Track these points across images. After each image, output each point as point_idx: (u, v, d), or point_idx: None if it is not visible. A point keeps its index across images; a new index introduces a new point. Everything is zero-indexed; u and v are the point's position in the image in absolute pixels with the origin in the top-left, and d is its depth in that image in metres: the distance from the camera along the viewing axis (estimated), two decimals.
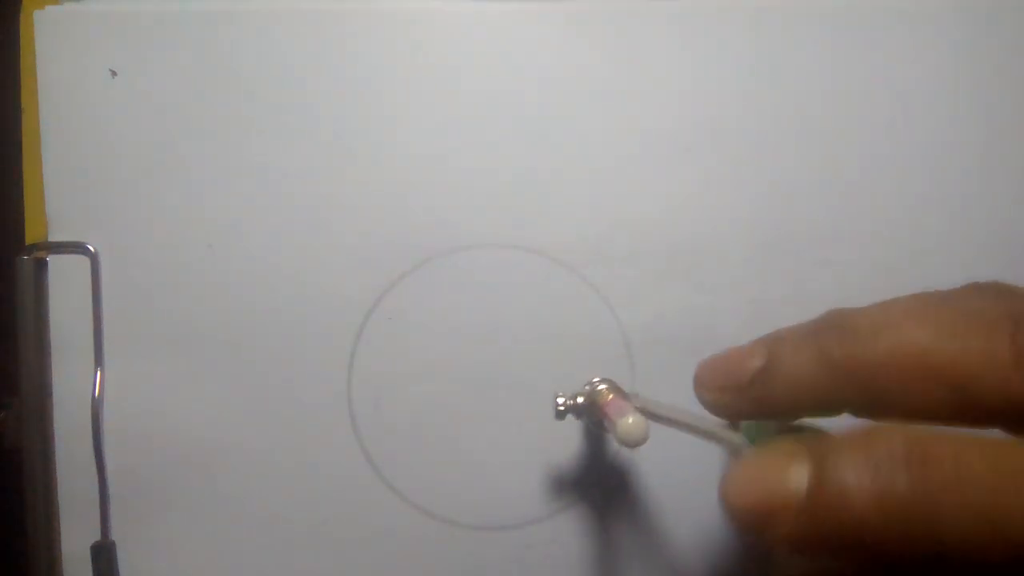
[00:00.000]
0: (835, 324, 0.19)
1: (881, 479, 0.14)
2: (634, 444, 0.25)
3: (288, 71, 0.33)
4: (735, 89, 0.34)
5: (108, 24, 0.33)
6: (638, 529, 0.33)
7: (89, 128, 0.33)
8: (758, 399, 0.20)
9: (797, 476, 0.16)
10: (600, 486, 0.33)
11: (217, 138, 0.33)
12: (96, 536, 0.32)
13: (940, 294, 0.19)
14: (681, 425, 0.26)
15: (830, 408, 0.19)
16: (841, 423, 0.19)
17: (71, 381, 0.32)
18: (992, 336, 0.16)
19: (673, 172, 0.34)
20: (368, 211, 0.33)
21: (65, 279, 0.33)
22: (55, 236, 0.33)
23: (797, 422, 0.22)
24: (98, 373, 0.32)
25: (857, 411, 0.19)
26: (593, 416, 0.28)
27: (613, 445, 0.33)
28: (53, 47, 0.33)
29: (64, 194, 0.33)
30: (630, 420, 0.25)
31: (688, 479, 0.33)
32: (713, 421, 0.25)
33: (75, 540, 0.32)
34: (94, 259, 0.32)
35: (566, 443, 0.33)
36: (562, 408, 0.29)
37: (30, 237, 0.33)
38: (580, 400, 0.28)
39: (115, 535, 0.32)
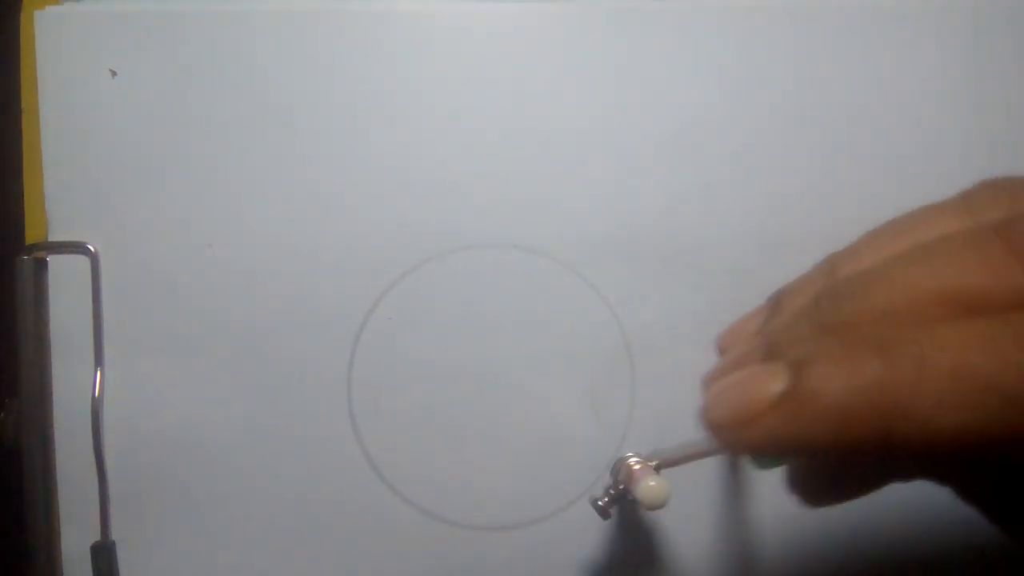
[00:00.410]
0: (831, 294, 0.18)
1: (854, 374, 0.15)
2: (655, 507, 0.25)
3: (288, 71, 0.33)
4: (735, 90, 0.34)
5: (108, 24, 0.33)
6: (637, 529, 0.33)
7: (89, 128, 0.33)
8: (785, 430, 0.17)
9: (774, 382, 0.16)
10: (600, 486, 0.33)
11: (217, 138, 0.33)
12: (96, 536, 0.32)
13: (929, 214, 0.19)
14: (698, 456, 0.26)
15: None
16: None
17: (71, 381, 0.32)
18: (985, 249, 0.15)
19: (673, 172, 0.34)
20: (368, 211, 0.33)
21: (65, 279, 0.33)
22: (55, 236, 0.33)
23: None
24: (98, 373, 0.32)
25: None
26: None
27: (613, 444, 0.33)
28: (53, 47, 0.33)
29: (64, 194, 0.33)
30: (651, 483, 0.25)
31: (687, 479, 0.33)
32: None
33: (75, 540, 0.32)
34: (94, 259, 0.32)
35: (566, 443, 0.33)
36: (602, 505, 0.28)
37: (30, 237, 0.33)
38: (612, 491, 0.28)
39: (115, 535, 0.32)
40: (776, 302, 0.21)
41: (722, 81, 0.34)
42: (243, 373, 0.33)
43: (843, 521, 0.33)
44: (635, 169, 0.33)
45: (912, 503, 0.33)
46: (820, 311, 0.17)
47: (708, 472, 0.33)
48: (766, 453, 0.17)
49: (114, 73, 0.33)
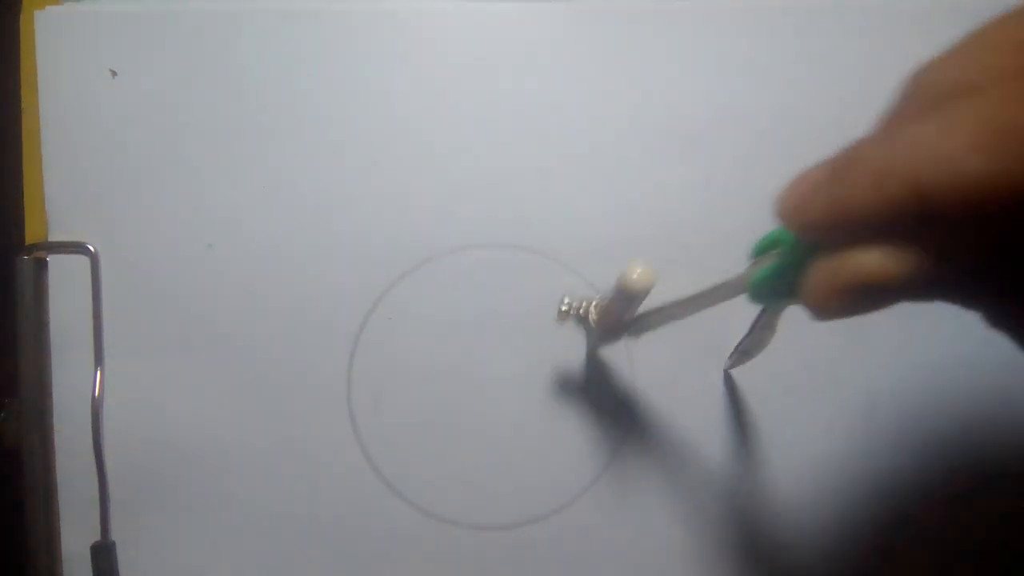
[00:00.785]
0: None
1: (892, 138, 0.17)
2: (642, 288, 0.25)
3: (288, 71, 0.33)
4: (735, 89, 0.34)
5: (108, 24, 0.33)
6: (637, 529, 0.33)
7: (89, 128, 0.33)
8: (837, 196, 0.19)
9: (826, 167, 0.19)
10: (600, 486, 0.33)
11: (217, 138, 0.33)
12: (96, 536, 0.32)
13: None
14: (685, 305, 0.26)
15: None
16: None
17: (71, 381, 0.32)
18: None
19: (673, 172, 0.34)
20: (368, 211, 0.33)
21: (65, 279, 0.33)
22: (55, 236, 0.33)
23: None
24: (98, 373, 0.32)
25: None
26: (599, 315, 0.28)
27: (613, 446, 0.33)
28: (53, 47, 0.33)
29: (64, 194, 0.33)
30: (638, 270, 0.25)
31: (686, 479, 0.33)
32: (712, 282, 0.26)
33: (75, 540, 0.32)
34: (94, 259, 0.33)
35: (566, 443, 0.33)
36: (565, 309, 0.29)
37: (30, 237, 0.33)
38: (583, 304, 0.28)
39: (115, 535, 0.32)
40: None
41: (723, 81, 0.34)
42: (243, 373, 0.33)
43: (841, 525, 0.33)
44: (635, 169, 0.34)
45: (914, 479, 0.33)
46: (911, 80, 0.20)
47: (707, 473, 0.33)
48: (819, 233, 0.19)
49: (114, 73, 0.33)
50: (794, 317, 0.34)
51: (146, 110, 0.33)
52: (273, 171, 0.33)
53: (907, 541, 0.33)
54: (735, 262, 0.34)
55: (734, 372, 0.33)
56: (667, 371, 0.33)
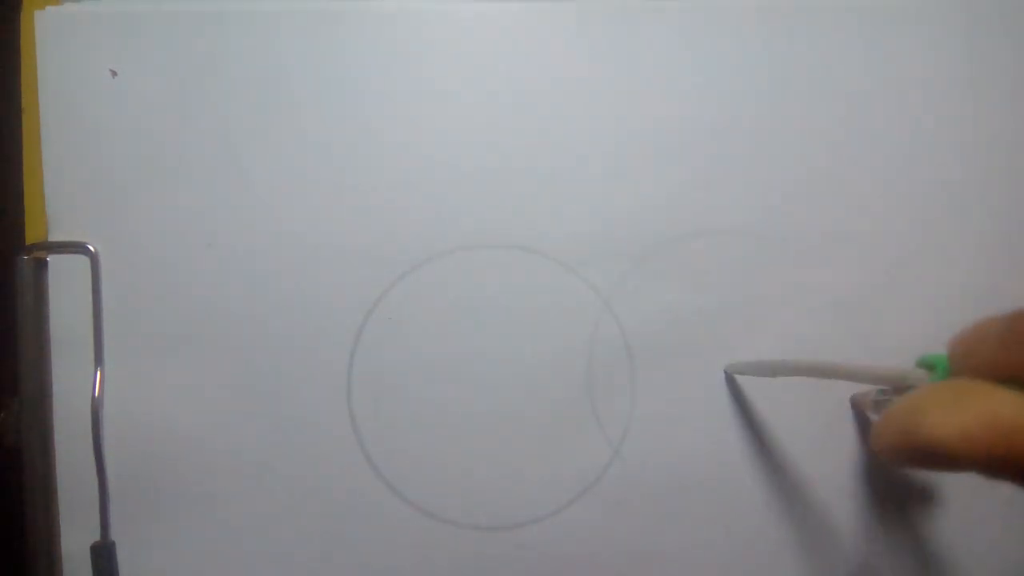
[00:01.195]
0: None
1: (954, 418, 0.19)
2: None
3: (288, 71, 0.33)
4: (736, 89, 0.34)
5: (108, 24, 0.33)
6: (637, 529, 0.33)
7: (89, 128, 0.33)
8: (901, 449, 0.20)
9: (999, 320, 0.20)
10: (600, 486, 0.33)
11: (217, 138, 0.33)
12: (96, 536, 0.32)
13: None
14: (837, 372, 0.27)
15: None
16: None
17: (71, 381, 0.32)
18: None
19: (673, 172, 0.34)
20: (368, 211, 0.33)
21: (65, 279, 0.33)
22: (55, 236, 0.33)
23: None
24: (98, 373, 0.32)
25: None
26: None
27: (613, 444, 0.33)
28: (53, 47, 0.33)
29: (64, 194, 0.33)
30: None
31: (686, 479, 0.33)
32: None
33: (75, 540, 0.32)
34: (94, 259, 0.32)
35: (566, 443, 0.33)
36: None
37: (30, 237, 0.33)
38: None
39: (115, 535, 0.32)
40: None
41: (722, 81, 0.34)
42: (243, 373, 0.33)
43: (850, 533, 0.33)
44: (635, 169, 0.34)
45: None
46: (1004, 349, 0.20)
47: (706, 473, 0.33)
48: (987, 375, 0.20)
49: (114, 73, 0.33)
50: (793, 321, 0.34)
51: (146, 110, 0.33)
52: (273, 171, 0.33)
53: (906, 541, 0.33)
54: (735, 262, 0.34)
55: (734, 373, 0.33)
56: (668, 371, 0.33)
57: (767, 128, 0.34)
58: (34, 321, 0.32)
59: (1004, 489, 0.30)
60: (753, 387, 0.33)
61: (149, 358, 0.33)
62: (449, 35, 0.33)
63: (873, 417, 0.32)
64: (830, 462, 0.33)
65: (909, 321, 0.33)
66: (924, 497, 0.34)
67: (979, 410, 0.18)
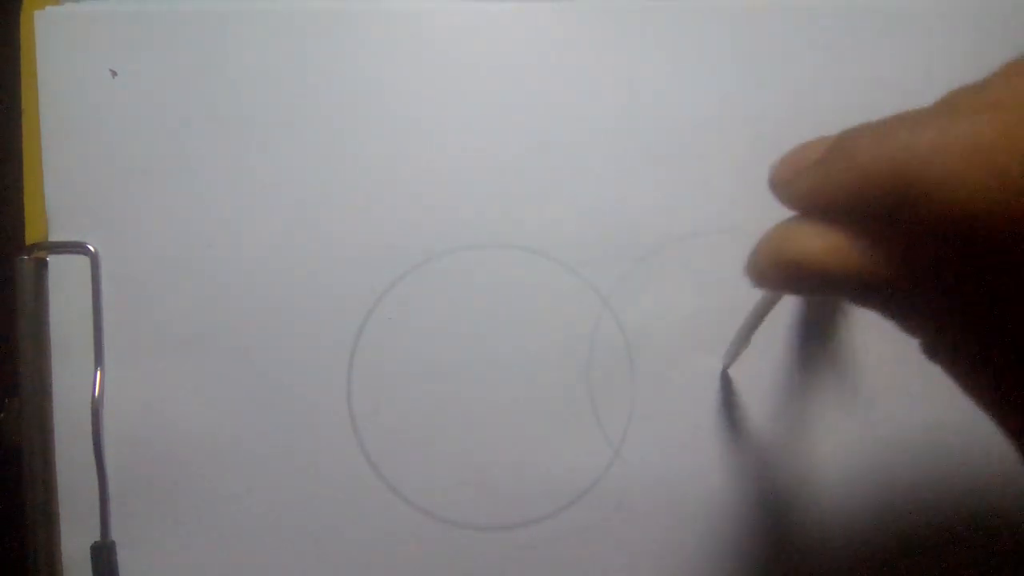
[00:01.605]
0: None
1: (885, 130, 0.17)
2: None
3: (288, 71, 0.33)
4: (735, 89, 0.34)
5: (108, 24, 0.33)
6: (637, 529, 0.33)
7: (89, 128, 0.33)
8: (823, 176, 0.19)
9: (821, 146, 0.20)
10: (600, 486, 0.33)
11: (217, 138, 0.33)
12: (96, 536, 0.32)
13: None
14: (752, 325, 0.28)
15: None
16: None
17: (71, 381, 0.32)
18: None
19: (673, 172, 0.34)
20: (368, 211, 0.33)
21: (65, 279, 0.33)
22: (55, 236, 0.33)
23: None
24: (98, 373, 0.32)
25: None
26: None
27: (613, 444, 0.33)
28: (53, 47, 0.33)
29: (64, 194, 0.33)
30: None
31: (687, 479, 0.33)
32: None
33: (75, 540, 0.32)
34: (94, 259, 0.33)
35: (566, 443, 0.33)
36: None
37: (30, 237, 0.33)
38: None
39: (115, 535, 0.32)
40: None
41: (722, 81, 0.34)
42: (243, 373, 0.33)
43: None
44: (635, 169, 0.34)
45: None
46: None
47: (706, 473, 0.33)
48: (804, 210, 0.19)
49: (114, 73, 0.33)
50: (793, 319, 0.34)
51: (146, 110, 0.33)
52: (273, 171, 0.33)
53: (906, 541, 0.33)
54: (734, 262, 0.34)
55: (734, 372, 0.33)
56: (668, 371, 0.33)
57: (767, 128, 0.34)
58: (34, 321, 0.32)
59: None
60: (754, 387, 0.33)
61: (149, 358, 0.33)
62: (449, 35, 0.33)
63: None
64: (831, 461, 0.33)
65: None
66: (924, 489, 0.34)
67: (993, 133, 0.15)
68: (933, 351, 0.19)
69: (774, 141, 0.34)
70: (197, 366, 0.33)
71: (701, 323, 0.33)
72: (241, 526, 0.33)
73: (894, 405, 0.33)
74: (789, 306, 0.34)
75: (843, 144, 0.18)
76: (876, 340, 0.33)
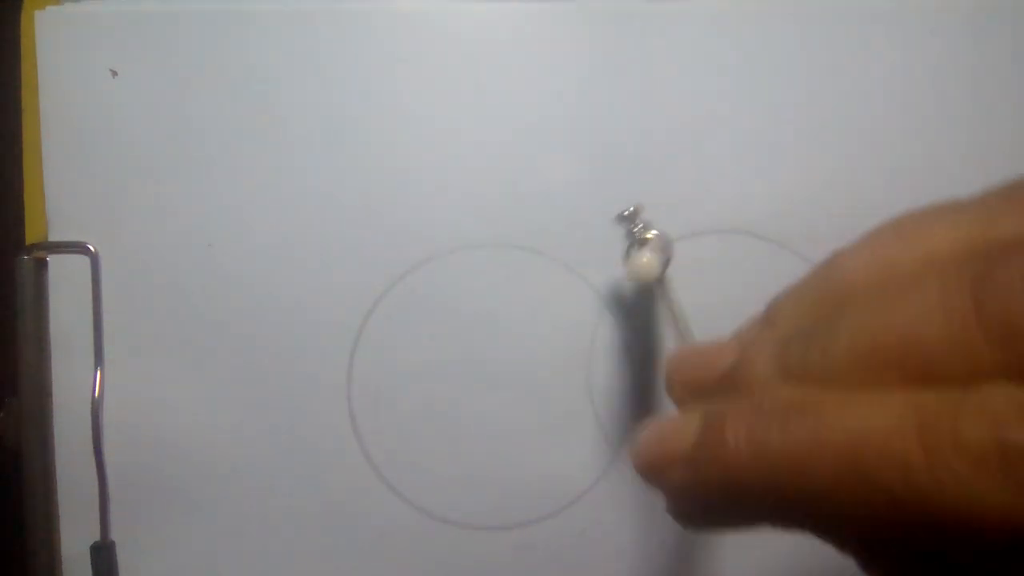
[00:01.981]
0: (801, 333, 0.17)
1: (757, 434, 0.15)
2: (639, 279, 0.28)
3: (287, 70, 0.33)
4: (735, 90, 0.34)
5: (108, 24, 0.33)
6: (637, 529, 0.33)
7: (89, 128, 0.33)
8: (692, 483, 0.17)
9: (687, 436, 0.17)
10: (600, 486, 0.33)
11: (217, 138, 0.33)
12: (96, 536, 0.32)
13: (939, 218, 0.17)
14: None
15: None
16: None
17: (71, 381, 0.32)
18: (953, 313, 0.14)
19: (672, 172, 0.34)
20: (368, 211, 0.33)
21: (65, 279, 0.33)
22: (55, 236, 0.33)
23: None
24: (98, 373, 0.32)
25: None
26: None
27: (613, 444, 0.33)
28: (53, 47, 0.33)
29: (64, 194, 0.33)
30: (644, 259, 0.27)
31: None
32: None
33: (75, 540, 0.32)
34: (94, 259, 0.33)
35: (566, 443, 0.33)
36: (626, 215, 0.30)
37: (30, 237, 0.33)
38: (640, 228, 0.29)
39: (115, 535, 0.32)
40: (768, 318, 0.20)
41: (722, 81, 0.34)
42: (243, 373, 0.33)
43: None
44: (634, 169, 0.34)
45: None
46: (787, 354, 0.17)
47: None
48: (680, 499, 0.18)
49: (114, 73, 0.33)
50: None
51: (146, 110, 0.33)
52: (273, 171, 0.33)
53: None
54: (734, 261, 0.34)
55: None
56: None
57: (768, 129, 0.34)
58: (34, 321, 0.32)
59: None
60: None
61: (149, 358, 0.33)
62: (450, 35, 0.33)
63: None
64: None
65: None
66: None
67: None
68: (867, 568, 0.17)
69: (778, 142, 0.34)
70: (197, 366, 0.33)
71: (700, 322, 0.33)
72: (241, 526, 0.33)
73: None
74: None
75: (709, 445, 0.16)
76: None
